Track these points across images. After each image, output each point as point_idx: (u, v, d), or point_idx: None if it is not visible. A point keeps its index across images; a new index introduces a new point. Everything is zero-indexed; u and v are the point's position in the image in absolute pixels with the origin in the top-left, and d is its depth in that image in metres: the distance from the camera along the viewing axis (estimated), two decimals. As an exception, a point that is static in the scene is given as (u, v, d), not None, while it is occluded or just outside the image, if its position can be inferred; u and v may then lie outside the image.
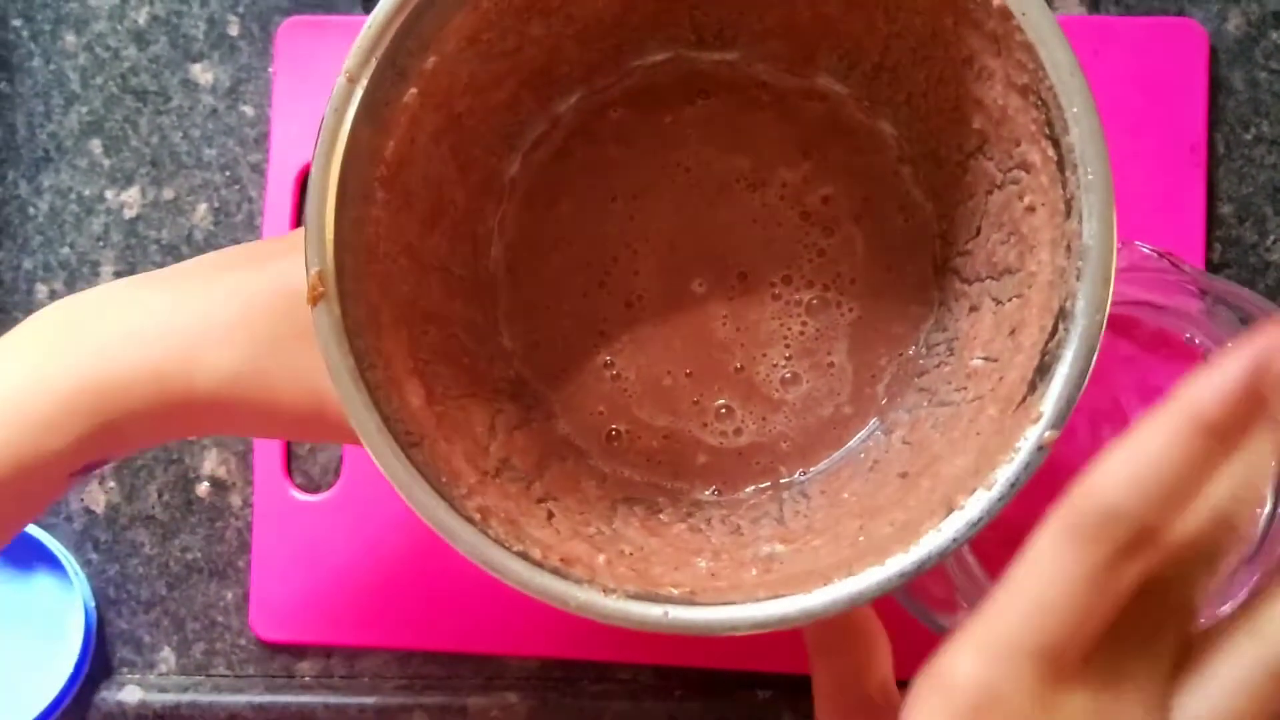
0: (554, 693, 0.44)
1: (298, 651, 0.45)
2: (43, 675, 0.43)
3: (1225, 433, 0.23)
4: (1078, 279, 0.25)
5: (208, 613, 0.46)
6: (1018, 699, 0.23)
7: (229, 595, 0.45)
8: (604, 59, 0.35)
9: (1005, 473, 0.25)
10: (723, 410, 0.35)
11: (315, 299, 0.27)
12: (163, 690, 0.45)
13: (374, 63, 0.27)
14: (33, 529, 0.44)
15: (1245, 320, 0.37)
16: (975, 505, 0.25)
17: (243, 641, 0.45)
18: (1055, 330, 0.26)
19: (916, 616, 0.36)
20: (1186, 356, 0.39)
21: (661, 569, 0.28)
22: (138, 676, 0.45)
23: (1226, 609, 0.36)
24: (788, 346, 0.35)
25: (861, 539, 0.28)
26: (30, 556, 0.45)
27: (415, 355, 0.30)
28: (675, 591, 0.27)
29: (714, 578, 0.28)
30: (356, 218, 0.28)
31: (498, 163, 0.35)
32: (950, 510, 0.25)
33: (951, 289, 0.33)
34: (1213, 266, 0.42)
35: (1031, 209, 0.28)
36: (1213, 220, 0.42)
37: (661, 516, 0.32)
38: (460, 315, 0.33)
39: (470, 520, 0.27)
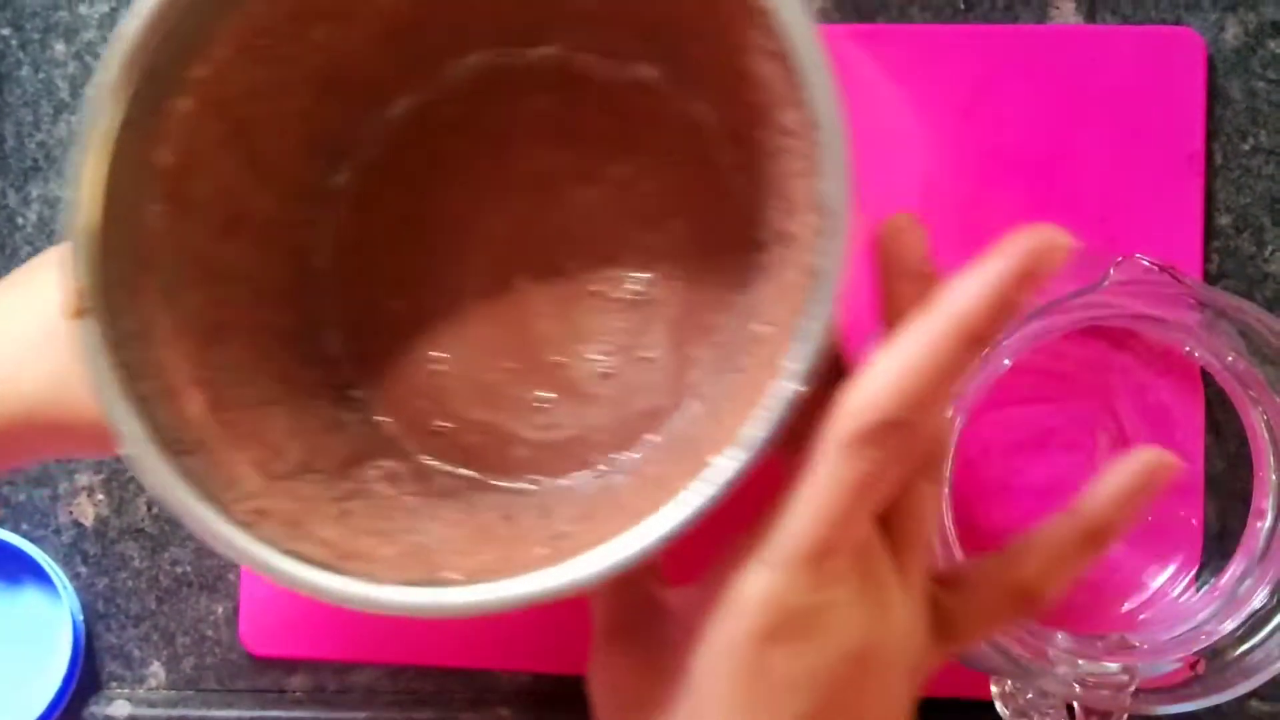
0: (547, 709, 0.43)
1: (289, 666, 0.45)
2: (31, 689, 0.43)
3: (984, 339, 0.23)
4: (824, 238, 0.25)
5: (198, 627, 0.45)
6: (801, 603, 0.25)
7: (219, 609, 0.45)
8: (417, 62, 0.35)
9: (755, 430, 0.25)
10: (542, 404, 0.35)
11: (75, 314, 0.27)
12: (152, 705, 0.45)
13: (134, 73, 0.27)
14: (21, 542, 0.44)
15: (1244, 333, 0.37)
16: (728, 464, 0.25)
17: (233, 656, 0.45)
18: (810, 290, 0.26)
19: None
20: (1184, 369, 0.39)
21: (455, 557, 0.28)
22: (127, 691, 0.45)
23: (1228, 626, 0.36)
24: (606, 341, 0.35)
25: (643, 508, 0.28)
26: (18, 569, 0.45)
27: (201, 365, 0.29)
28: (455, 576, 0.27)
29: (503, 561, 0.28)
30: (130, 229, 0.28)
31: (314, 169, 0.35)
32: (703, 470, 0.26)
33: (753, 261, 0.33)
34: (1210, 277, 0.41)
35: (795, 175, 0.28)
36: (1211, 231, 0.41)
37: (475, 508, 0.32)
38: (269, 323, 0.33)
39: (241, 524, 0.27)
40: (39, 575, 0.45)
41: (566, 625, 0.41)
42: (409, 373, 0.35)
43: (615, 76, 0.35)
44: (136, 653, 0.46)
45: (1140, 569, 0.39)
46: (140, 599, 0.46)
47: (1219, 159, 0.42)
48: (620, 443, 0.35)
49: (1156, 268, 0.35)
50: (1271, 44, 0.42)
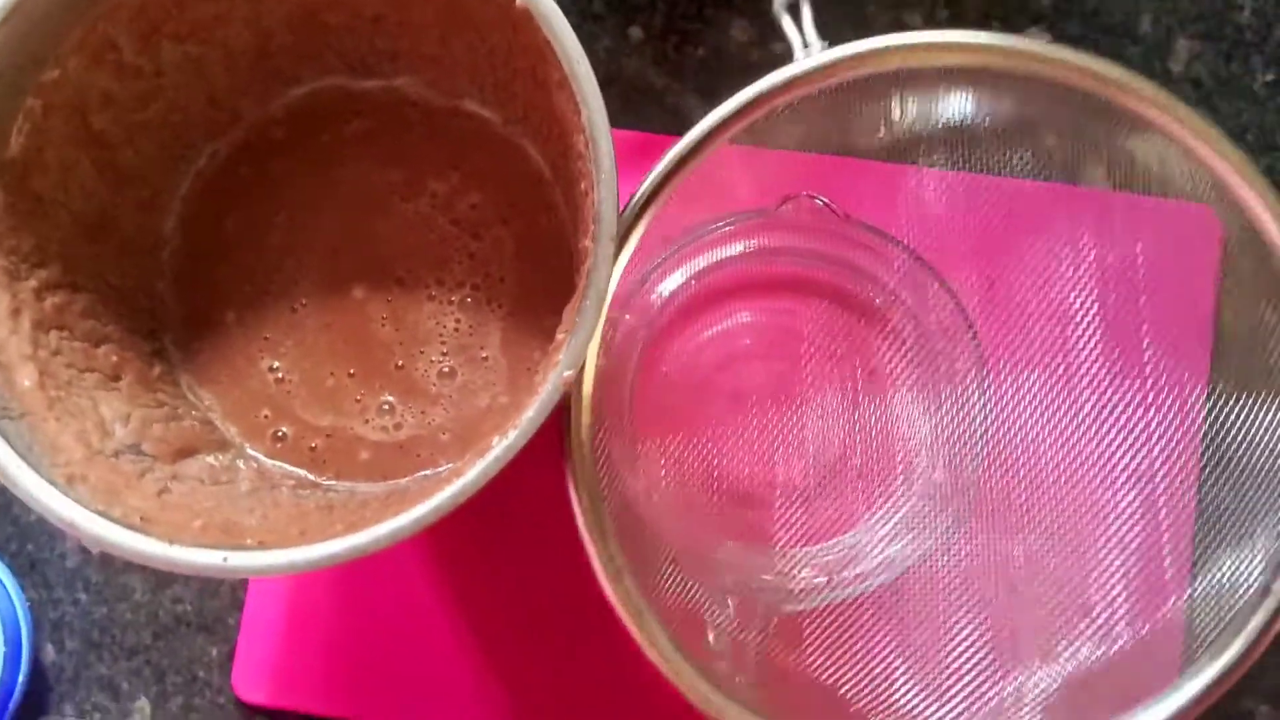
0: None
1: (278, 716, 0.45)
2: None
3: None
4: (596, 242, 0.28)
5: (190, 667, 0.46)
6: None
7: (214, 651, 0.46)
8: (262, 87, 0.37)
9: (528, 413, 0.28)
10: (384, 406, 0.37)
11: None
12: (134, 742, 0.45)
13: None
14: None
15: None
16: (504, 442, 0.28)
17: (222, 700, 0.45)
18: (583, 289, 0.29)
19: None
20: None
21: (263, 534, 0.30)
22: (109, 725, 0.46)
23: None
24: (444, 343, 0.37)
25: (435, 491, 0.29)
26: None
27: (37, 346, 0.32)
28: (251, 543, 0.29)
29: (304, 536, 0.29)
30: None
31: (164, 180, 0.37)
32: (484, 454, 0.28)
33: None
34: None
35: (585, 192, 0.30)
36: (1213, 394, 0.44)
37: (302, 500, 0.34)
38: (115, 318, 0.35)
39: (51, 481, 0.29)
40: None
41: (564, 696, 0.43)
42: (249, 381, 0.37)
43: (440, 105, 0.38)
44: (125, 686, 0.46)
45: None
46: (137, 632, 0.46)
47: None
48: (463, 443, 0.36)
49: (822, 203, 0.37)
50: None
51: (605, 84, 0.45)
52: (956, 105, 0.37)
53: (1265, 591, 0.32)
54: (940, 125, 0.38)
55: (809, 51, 0.32)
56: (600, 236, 0.28)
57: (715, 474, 0.40)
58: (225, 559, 0.28)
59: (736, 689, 0.35)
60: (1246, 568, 0.35)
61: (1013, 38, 0.32)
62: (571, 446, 0.31)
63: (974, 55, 0.32)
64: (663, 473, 0.40)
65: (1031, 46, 0.32)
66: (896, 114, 0.37)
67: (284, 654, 0.45)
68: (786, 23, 0.32)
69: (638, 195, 0.31)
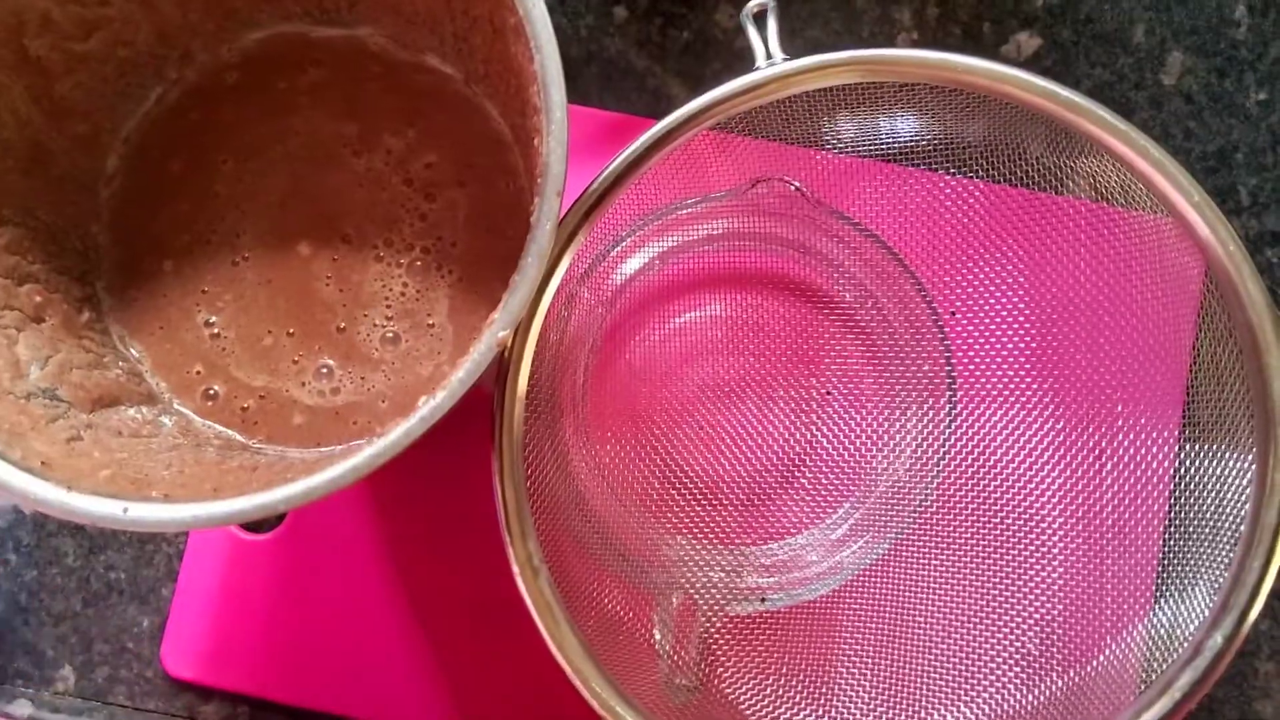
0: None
1: (204, 693, 0.43)
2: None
3: None
4: (541, 197, 0.27)
5: (119, 637, 0.44)
6: None
7: (145, 623, 0.44)
8: (216, 27, 0.35)
9: (459, 374, 0.27)
10: (323, 370, 0.35)
11: None
12: (55, 710, 0.43)
13: None
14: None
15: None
16: (430, 403, 0.27)
17: (149, 673, 0.44)
18: (526, 247, 0.27)
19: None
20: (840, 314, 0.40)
21: (174, 488, 0.28)
22: (31, 691, 0.44)
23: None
24: (389, 307, 0.35)
25: (355, 453, 0.28)
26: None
27: None
28: (156, 495, 0.27)
29: (214, 492, 0.28)
30: None
31: (107, 118, 0.35)
32: (410, 415, 0.27)
33: None
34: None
35: (539, 148, 0.28)
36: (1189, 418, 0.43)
37: (227, 459, 0.32)
38: (43, 259, 0.34)
39: None
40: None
41: (493, 690, 0.41)
42: (182, 335, 0.35)
43: (402, 59, 0.36)
44: (50, 653, 0.44)
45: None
46: (66, 598, 0.44)
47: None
48: (402, 411, 0.33)
49: (794, 187, 0.36)
50: (1269, 252, 0.44)
51: (586, 63, 0.44)
52: (920, 121, 0.36)
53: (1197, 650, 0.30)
54: (905, 139, 0.36)
55: (771, 62, 0.30)
56: (545, 190, 0.26)
57: (672, 467, 0.39)
58: (125, 510, 0.26)
59: (675, 691, 0.34)
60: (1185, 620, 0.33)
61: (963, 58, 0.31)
62: (501, 434, 0.29)
63: (931, 72, 0.31)
64: (617, 461, 0.38)
65: (979, 65, 0.31)
66: (852, 128, 0.35)
67: (216, 631, 0.43)
68: (751, 31, 0.31)
69: (582, 197, 0.30)
